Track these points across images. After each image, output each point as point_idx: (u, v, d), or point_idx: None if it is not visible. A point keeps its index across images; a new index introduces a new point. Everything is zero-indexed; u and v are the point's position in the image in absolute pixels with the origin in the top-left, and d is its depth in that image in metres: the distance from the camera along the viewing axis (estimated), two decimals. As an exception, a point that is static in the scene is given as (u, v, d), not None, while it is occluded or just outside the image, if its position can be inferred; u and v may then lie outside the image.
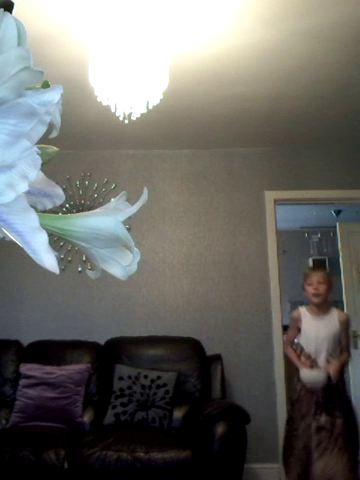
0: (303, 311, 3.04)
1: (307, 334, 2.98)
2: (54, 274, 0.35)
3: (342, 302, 4.57)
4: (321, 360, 2.93)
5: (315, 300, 2.98)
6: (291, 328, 3.12)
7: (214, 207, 4.00)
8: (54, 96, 0.32)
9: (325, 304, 3.01)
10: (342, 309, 4.77)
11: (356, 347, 4.36)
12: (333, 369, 2.86)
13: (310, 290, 2.99)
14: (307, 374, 2.92)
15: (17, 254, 3.37)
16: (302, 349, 3.01)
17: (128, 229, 0.41)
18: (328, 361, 2.92)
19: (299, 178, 4.00)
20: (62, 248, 3.73)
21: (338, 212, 5.98)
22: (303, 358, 2.98)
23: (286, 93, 3.18)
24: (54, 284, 3.81)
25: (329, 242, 6.39)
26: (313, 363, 2.93)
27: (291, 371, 3.26)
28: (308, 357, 2.96)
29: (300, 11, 2.36)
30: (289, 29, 2.50)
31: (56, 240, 3.05)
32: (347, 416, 2.88)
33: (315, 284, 2.97)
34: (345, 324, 3.00)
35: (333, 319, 2.96)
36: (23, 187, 0.31)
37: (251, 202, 4.01)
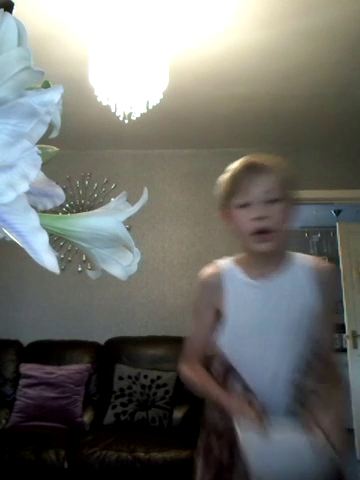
0: (228, 269, 1.37)
1: (240, 324, 1.32)
2: (54, 274, 0.35)
3: (341, 302, 4.57)
4: (279, 398, 1.28)
5: (259, 246, 1.27)
6: (199, 315, 1.41)
7: (214, 207, 3.98)
8: (54, 96, 0.32)
9: (279, 254, 1.33)
10: (339, 309, 4.74)
11: (356, 347, 4.36)
12: (327, 427, 1.17)
13: (247, 223, 1.27)
14: (259, 447, 1.15)
15: (17, 254, 3.37)
16: (226, 368, 1.35)
17: (128, 229, 0.40)
18: (303, 404, 1.26)
19: (299, 178, 3.99)
20: (62, 248, 3.73)
21: (338, 212, 5.97)
22: (235, 392, 1.30)
23: (286, 93, 3.17)
24: (54, 284, 3.81)
25: (329, 242, 6.39)
26: (259, 408, 1.20)
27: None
28: (244, 388, 1.30)
29: (300, 11, 2.36)
30: (289, 29, 2.49)
31: (56, 240, 3.06)
32: None
33: (257, 205, 1.25)
34: (328, 294, 1.32)
35: (299, 283, 1.30)
36: (23, 187, 0.31)
37: (251, 202, 4.01)
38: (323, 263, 1.40)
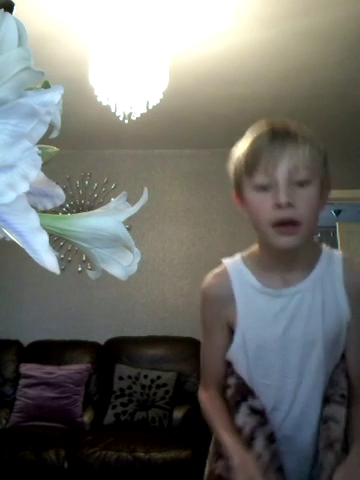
0: (237, 272, 1.09)
1: (253, 344, 1.08)
2: (54, 274, 0.35)
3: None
4: (306, 441, 1.06)
5: (281, 241, 0.97)
6: (209, 333, 1.16)
7: (214, 207, 4.00)
8: (55, 96, 0.32)
9: (306, 252, 1.05)
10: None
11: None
12: None
13: (266, 210, 0.96)
14: None
15: (17, 254, 3.36)
16: (238, 390, 1.10)
17: (128, 229, 0.40)
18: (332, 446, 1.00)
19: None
20: (62, 248, 3.73)
21: (338, 212, 5.98)
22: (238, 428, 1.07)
23: (286, 93, 3.17)
24: (54, 284, 3.81)
25: (329, 242, 6.39)
26: (262, 470, 0.98)
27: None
28: (259, 425, 1.05)
29: (300, 11, 2.36)
30: (289, 29, 2.49)
31: (56, 240, 3.05)
32: None
33: (282, 188, 0.94)
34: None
35: (332, 291, 1.05)
36: (24, 187, 0.31)
37: (251, 202, 4.01)
38: (359, 264, 1.08)
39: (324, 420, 1.04)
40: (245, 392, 1.09)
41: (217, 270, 1.13)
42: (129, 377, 3.29)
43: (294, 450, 1.06)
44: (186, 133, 3.79)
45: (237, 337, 1.07)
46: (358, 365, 1.08)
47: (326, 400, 1.06)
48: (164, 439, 2.88)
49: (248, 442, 1.03)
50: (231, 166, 1.05)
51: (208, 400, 1.15)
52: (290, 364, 1.05)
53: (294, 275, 1.05)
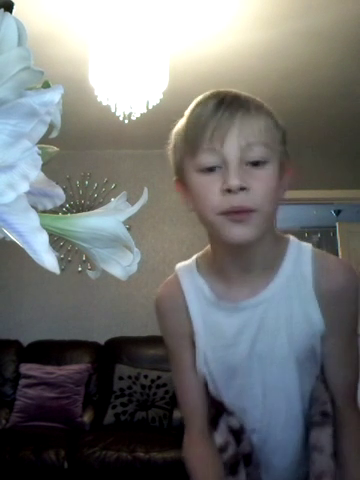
0: (189, 280, 0.92)
1: (219, 364, 0.90)
2: (54, 274, 0.35)
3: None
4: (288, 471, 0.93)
5: (234, 233, 0.77)
6: (175, 355, 0.96)
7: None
8: (55, 96, 0.32)
9: (266, 246, 0.84)
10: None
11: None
12: None
13: (214, 196, 0.77)
14: None
15: (17, 254, 3.36)
16: (212, 404, 0.95)
17: (128, 229, 0.39)
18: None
19: (299, 178, 3.99)
20: (62, 248, 3.73)
21: (338, 212, 5.98)
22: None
23: (286, 93, 3.17)
24: (54, 284, 3.81)
25: (329, 242, 6.39)
26: None
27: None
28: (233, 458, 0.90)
29: (300, 11, 2.36)
30: (289, 29, 2.49)
31: (56, 240, 3.05)
32: None
33: (233, 168, 0.75)
34: (342, 311, 0.86)
35: (302, 296, 0.85)
36: (24, 187, 0.31)
37: (251, 202, 4.01)
38: (332, 262, 0.88)
39: (310, 450, 0.89)
40: (220, 407, 0.93)
41: (168, 280, 0.96)
42: (129, 377, 3.29)
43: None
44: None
45: (199, 356, 0.90)
46: (341, 382, 0.90)
47: (309, 422, 0.90)
48: (164, 439, 2.88)
49: (232, 468, 0.89)
50: (170, 146, 0.87)
51: (195, 458, 0.95)
52: (261, 384, 0.88)
53: (254, 279, 0.85)
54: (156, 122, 3.44)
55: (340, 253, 4.61)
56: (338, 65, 2.85)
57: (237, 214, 0.75)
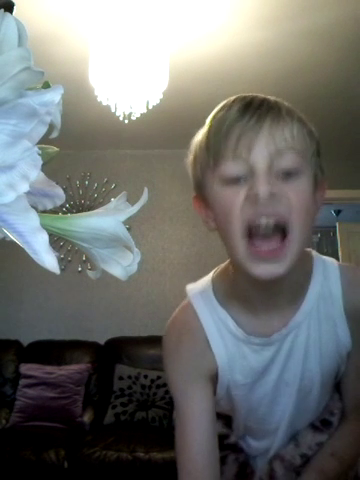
0: (210, 315, 0.79)
1: (243, 398, 0.83)
2: (54, 274, 0.35)
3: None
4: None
5: (262, 268, 0.66)
6: (186, 394, 0.77)
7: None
8: (55, 96, 0.32)
9: (297, 273, 0.73)
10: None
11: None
12: None
13: (239, 211, 0.66)
14: None
15: (17, 254, 3.36)
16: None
17: (128, 229, 0.38)
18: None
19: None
20: (62, 248, 3.73)
21: (338, 212, 5.97)
22: None
23: (286, 93, 3.16)
24: (54, 284, 3.81)
25: (329, 242, 6.39)
26: None
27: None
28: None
29: (300, 11, 2.36)
30: (289, 29, 2.49)
31: (56, 240, 3.05)
32: None
33: (264, 177, 0.64)
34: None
35: (330, 321, 0.78)
36: (24, 187, 0.31)
37: (251, 202, 4.01)
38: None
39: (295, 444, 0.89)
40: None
41: (182, 306, 0.84)
42: (129, 377, 3.29)
43: None
44: (186, 133, 3.77)
45: (220, 392, 0.81)
46: (355, 392, 0.88)
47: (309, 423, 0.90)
48: (164, 439, 2.88)
49: None
50: (189, 158, 0.78)
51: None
52: (285, 410, 0.83)
53: (283, 306, 0.76)
54: (156, 122, 3.44)
55: (340, 253, 4.61)
56: (337, 65, 2.85)
57: (265, 252, 0.65)
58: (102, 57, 2.21)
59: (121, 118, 2.40)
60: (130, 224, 3.64)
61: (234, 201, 0.65)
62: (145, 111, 2.34)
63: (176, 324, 0.82)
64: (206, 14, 2.38)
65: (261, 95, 0.74)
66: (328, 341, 0.78)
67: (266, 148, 0.65)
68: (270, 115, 0.66)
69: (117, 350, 3.54)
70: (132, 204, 0.41)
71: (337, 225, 4.75)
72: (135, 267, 0.42)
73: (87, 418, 3.20)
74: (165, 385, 3.22)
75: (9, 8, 0.37)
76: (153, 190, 3.92)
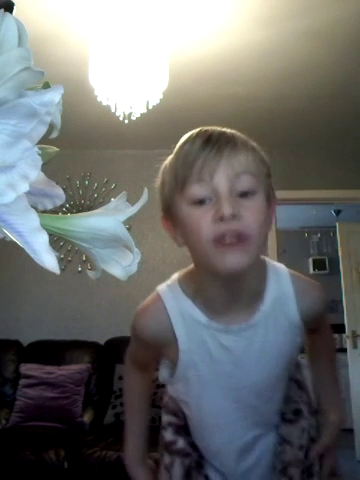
0: (179, 308, 0.92)
1: (200, 383, 0.94)
2: (54, 274, 0.35)
3: (341, 302, 4.57)
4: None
5: (227, 261, 0.78)
6: (137, 354, 1.14)
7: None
8: (55, 97, 0.32)
9: (255, 274, 0.87)
10: (339, 309, 4.73)
11: (356, 347, 4.36)
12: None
13: (206, 226, 0.79)
14: None
15: (17, 254, 3.36)
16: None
17: (128, 229, 0.39)
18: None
19: (299, 178, 3.99)
20: (62, 248, 3.73)
21: (338, 212, 5.97)
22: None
23: (286, 93, 3.17)
24: (54, 284, 3.81)
25: (329, 242, 6.38)
26: None
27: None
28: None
29: (300, 11, 2.36)
30: (289, 29, 2.49)
31: (56, 240, 3.05)
32: None
33: (224, 199, 0.78)
34: (316, 320, 0.99)
35: (284, 316, 0.91)
36: (24, 187, 0.31)
37: (251, 202, 4.01)
38: (311, 287, 0.97)
39: (279, 441, 0.99)
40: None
41: (151, 303, 0.97)
42: (129, 377, 3.29)
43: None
44: (186, 133, 3.78)
45: (179, 372, 0.93)
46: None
47: (282, 419, 1.00)
48: (164, 439, 2.88)
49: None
50: (158, 183, 0.92)
51: (137, 379, 1.13)
52: (243, 401, 0.94)
53: (240, 310, 0.87)
54: (156, 122, 3.44)
55: (340, 253, 4.60)
56: (338, 65, 2.85)
57: (230, 245, 0.77)
58: (102, 57, 2.21)
59: (121, 118, 2.40)
60: (130, 224, 3.65)
61: (201, 220, 0.78)
62: (145, 111, 2.34)
63: (146, 318, 0.94)
64: (206, 14, 2.38)
65: (219, 128, 0.86)
66: (286, 337, 0.91)
67: (226, 173, 0.77)
68: (228, 146, 0.79)
69: (117, 350, 3.54)
70: (132, 204, 0.41)
71: (337, 225, 4.74)
72: (135, 267, 0.42)
73: (87, 418, 3.20)
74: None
75: (9, 8, 0.37)
76: (153, 190, 3.90)
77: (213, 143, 0.80)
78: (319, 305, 0.95)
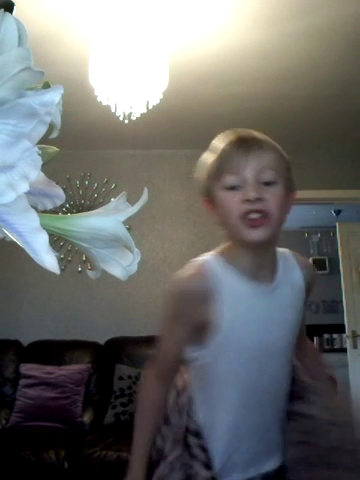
0: (218, 269, 1.07)
1: (239, 342, 1.05)
2: (54, 274, 0.35)
3: (341, 302, 4.57)
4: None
5: (252, 233, 1.01)
6: (174, 328, 1.13)
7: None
8: (55, 97, 0.32)
9: (274, 248, 1.12)
10: (339, 309, 4.73)
11: (356, 347, 4.36)
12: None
13: (235, 205, 1.02)
14: None
15: (17, 254, 3.36)
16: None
17: (128, 229, 0.40)
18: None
19: (299, 178, 3.97)
20: (62, 248, 3.73)
21: (338, 212, 5.97)
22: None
23: (286, 93, 3.17)
24: (54, 284, 3.81)
25: (329, 242, 6.38)
26: None
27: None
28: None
29: (300, 11, 2.36)
30: (289, 29, 2.49)
31: (56, 240, 3.05)
32: None
33: (250, 186, 1.01)
34: (311, 294, 1.21)
35: (297, 285, 1.13)
36: (24, 187, 0.31)
37: (251, 202, 4.01)
38: (307, 260, 1.26)
39: (291, 416, 1.11)
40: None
41: (194, 268, 1.09)
42: (129, 377, 3.29)
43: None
44: (186, 133, 3.79)
45: (217, 338, 1.03)
46: (302, 328, 1.19)
47: (291, 396, 1.13)
48: (164, 439, 2.88)
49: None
50: (200, 173, 1.10)
51: (161, 393, 1.14)
52: (264, 367, 1.07)
53: (267, 269, 1.09)
54: (156, 122, 3.44)
55: (340, 253, 4.60)
56: (338, 65, 2.85)
57: (255, 220, 0.99)
58: (102, 57, 2.21)
59: (121, 118, 2.40)
60: (130, 224, 3.65)
61: (233, 201, 1.02)
62: (145, 111, 2.34)
63: (187, 276, 1.09)
64: (206, 14, 2.38)
65: (248, 131, 1.11)
66: (296, 303, 1.11)
67: (252, 167, 1.01)
68: (255, 146, 1.03)
69: (117, 350, 3.54)
70: (132, 204, 0.41)
71: (337, 225, 4.74)
72: (135, 267, 0.42)
73: (87, 418, 3.20)
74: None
75: (9, 8, 0.37)
76: (153, 190, 3.92)
77: (244, 144, 1.04)
78: (314, 274, 1.21)
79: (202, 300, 1.03)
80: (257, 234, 1.00)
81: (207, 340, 1.04)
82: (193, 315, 1.05)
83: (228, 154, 1.04)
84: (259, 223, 0.99)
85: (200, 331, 1.05)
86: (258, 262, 1.07)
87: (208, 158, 1.10)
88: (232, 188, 1.02)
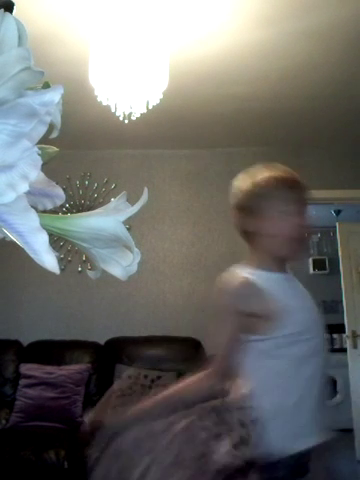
0: (254, 274, 1.25)
1: (297, 325, 1.22)
2: (54, 274, 0.35)
3: (341, 302, 4.57)
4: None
5: (303, 253, 1.59)
6: (228, 328, 1.23)
7: (214, 207, 4.00)
8: (54, 96, 0.32)
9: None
10: (339, 309, 4.74)
11: (356, 347, 4.36)
12: None
13: (293, 228, 1.29)
14: None
15: (17, 254, 3.36)
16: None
17: (128, 229, 0.40)
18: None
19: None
20: (62, 248, 3.73)
21: (338, 212, 5.97)
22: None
23: (286, 93, 3.17)
24: (54, 284, 3.81)
25: (329, 242, 6.38)
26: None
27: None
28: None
29: (300, 11, 2.36)
30: (289, 29, 2.49)
31: (56, 240, 3.05)
32: None
33: (308, 215, 1.35)
34: None
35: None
36: (23, 187, 0.31)
37: (251, 202, 4.01)
38: None
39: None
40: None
41: (232, 274, 1.27)
42: (129, 377, 3.29)
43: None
44: (186, 133, 3.79)
45: (285, 329, 1.19)
46: None
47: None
48: (164, 439, 2.88)
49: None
50: (261, 194, 1.30)
51: (207, 388, 1.23)
52: (318, 331, 1.28)
53: (286, 271, 1.36)
54: (156, 122, 3.44)
55: (340, 253, 4.60)
56: (338, 65, 2.85)
57: (306, 244, 1.29)
58: (102, 57, 2.21)
59: (121, 118, 2.40)
60: (130, 224, 3.65)
61: (291, 224, 1.28)
62: (145, 111, 2.34)
63: (234, 280, 1.24)
64: (206, 14, 2.37)
65: (297, 177, 1.35)
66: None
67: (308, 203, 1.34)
68: (306, 190, 1.34)
69: (117, 350, 3.54)
70: (132, 204, 0.41)
71: (337, 225, 4.73)
72: (135, 267, 0.42)
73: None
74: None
75: (9, 8, 0.37)
76: (153, 190, 3.92)
77: (303, 186, 1.35)
78: None
79: (251, 298, 1.21)
80: (305, 255, 1.24)
81: (269, 329, 1.19)
82: (241, 313, 1.20)
83: (295, 187, 1.31)
84: (308, 247, 1.20)
85: (257, 324, 1.20)
86: (281, 268, 1.34)
87: (270, 183, 1.31)
88: (294, 213, 1.28)
